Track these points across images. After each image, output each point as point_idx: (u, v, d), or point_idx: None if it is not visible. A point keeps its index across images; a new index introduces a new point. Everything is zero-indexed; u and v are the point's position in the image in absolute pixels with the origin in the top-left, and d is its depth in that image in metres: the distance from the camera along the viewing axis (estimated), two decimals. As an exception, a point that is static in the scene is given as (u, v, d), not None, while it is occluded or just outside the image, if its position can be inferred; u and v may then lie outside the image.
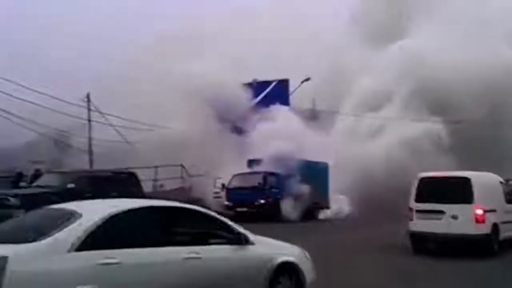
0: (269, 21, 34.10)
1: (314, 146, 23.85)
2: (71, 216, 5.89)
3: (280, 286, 7.01)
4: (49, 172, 19.81)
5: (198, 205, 28.05)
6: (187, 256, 6.28)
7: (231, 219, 7.41)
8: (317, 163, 24.05)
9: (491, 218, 12.37)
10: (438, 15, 26.22)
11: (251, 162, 25.83)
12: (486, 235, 12.16)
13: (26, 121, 24.84)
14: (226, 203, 23.32)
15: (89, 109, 27.75)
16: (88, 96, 27.58)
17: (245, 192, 22.89)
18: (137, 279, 5.83)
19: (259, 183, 23.23)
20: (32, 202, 15.97)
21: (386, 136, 23.46)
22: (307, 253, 7.63)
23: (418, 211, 12.73)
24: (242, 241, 6.92)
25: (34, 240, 5.54)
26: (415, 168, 22.01)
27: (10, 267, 5.17)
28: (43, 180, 18.08)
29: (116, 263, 5.72)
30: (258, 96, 33.49)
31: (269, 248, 7.28)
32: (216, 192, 24.90)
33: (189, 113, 29.15)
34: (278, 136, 23.40)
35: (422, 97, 24.74)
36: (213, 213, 7.26)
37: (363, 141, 24.18)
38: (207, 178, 26.64)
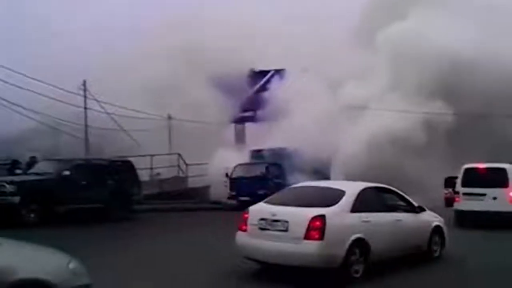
0: (266, 13, 33.88)
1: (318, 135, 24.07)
2: (341, 192, 9.07)
3: (434, 239, 10.75)
4: (44, 159, 19.78)
5: (206, 193, 27.44)
6: (396, 219, 9.74)
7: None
8: (322, 158, 24.00)
9: None
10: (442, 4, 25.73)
11: (253, 153, 25.99)
12: None
13: (22, 109, 24.76)
14: (230, 192, 23.36)
15: (85, 97, 27.66)
16: (84, 84, 27.47)
17: (248, 182, 22.83)
18: (378, 232, 8.97)
19: (261, 173, 23.28)
20: (28, 189, 16.06)
21: (379, 126, 23.35)
22: (443, 220, 11.23)
23: (464, 194, 15.88)
24: (417, 210, 10.47)
25: (330, 205, 8.70)
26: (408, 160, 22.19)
27: (327, 220, 8.32)
28: (39, 168, 18.06)
29: (369, 221, 8.91)
30: (256, 85, 33.62)
31: (430, 216, 10.90)
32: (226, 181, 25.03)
33: (188, 101, 29.13)
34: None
35: (422, 86, 24.41)
36: (401, 192, 10.52)
37: (357, 131, 24.13)
38: (209, 167, 26.65)
